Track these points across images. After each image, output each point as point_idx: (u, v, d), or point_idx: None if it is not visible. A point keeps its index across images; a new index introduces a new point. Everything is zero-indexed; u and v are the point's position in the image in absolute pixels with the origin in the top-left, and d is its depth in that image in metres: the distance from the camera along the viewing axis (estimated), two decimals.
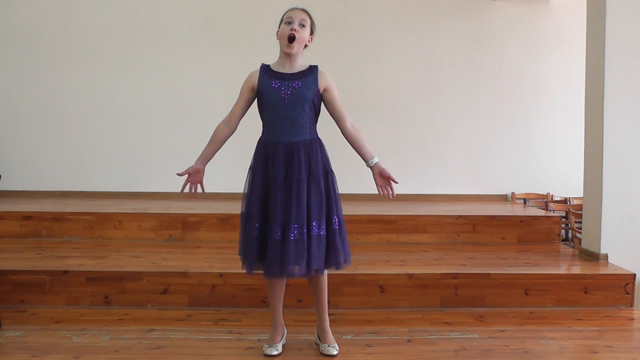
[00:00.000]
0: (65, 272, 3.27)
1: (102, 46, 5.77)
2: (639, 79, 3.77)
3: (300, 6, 2.53)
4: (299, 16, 2.48)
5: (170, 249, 4.00)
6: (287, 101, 2.44)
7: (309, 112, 2.48)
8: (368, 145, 2.57)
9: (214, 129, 2.62)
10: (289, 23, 2.47)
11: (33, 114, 5.78)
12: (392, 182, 2.54)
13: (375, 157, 2.55)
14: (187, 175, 2.58)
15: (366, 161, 2.56)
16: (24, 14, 5.75)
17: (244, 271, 2.53)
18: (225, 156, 5.73)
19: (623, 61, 3.75)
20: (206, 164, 2.62)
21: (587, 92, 4.02)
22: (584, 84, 4.07)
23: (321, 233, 2.46)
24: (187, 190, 2.60)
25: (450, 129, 5.92)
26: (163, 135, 5.81)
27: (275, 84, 2.46)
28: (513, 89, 5.93)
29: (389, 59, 5.87)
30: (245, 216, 2.53)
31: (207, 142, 2.62)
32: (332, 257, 2.50)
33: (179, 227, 4.32)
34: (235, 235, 4.23)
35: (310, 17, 2.52)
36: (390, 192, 2.54)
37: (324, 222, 2.47)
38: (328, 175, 2.52)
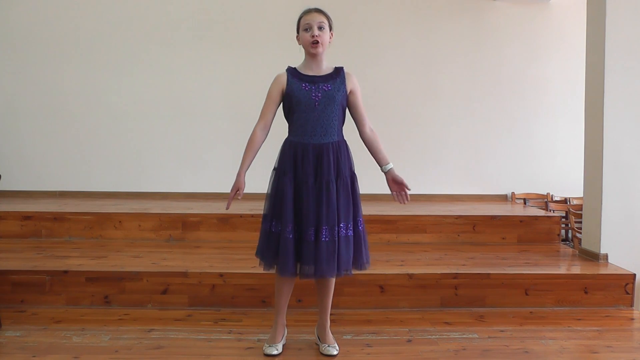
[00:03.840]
0: (65, 272, 3.27)
1: (102, 46, 5.77)
2: (639, 79, 3.77)
3: (313, 7, 2.53)
4: (316, 20, 2.48)
5: (170, 249, 4.00)
6: (317, 103, 2.47)
7: (338, 113, 2.51)
8: (384, 151, 2.60)
9: (249, 134, 2.52)
10: (308, 29, 2.48)
11: (33, 114, 5.78)
12: (405, 188, 2.56)
13: (390, 164, 2.59)
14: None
15: (381, 166, 2.60)
16: (24, 14, 5.75)
17: (269, 272, 2.55)
18: (226, 156, 5.78)
19: (623, 61, 3.75)
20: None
21: (587, 92, 4.02)
22: (584, 84, 4.07)
23: (349, 234, 2.50)
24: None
25: (451, 129, 5.92)
26: (163, 135, 5.81)
27: (306, 86, 2.48)
28: (513, 89, 5.93)
29: (389, 59, 5.87)
30: (270, 218, 2.51)
31: (245, 151, 2.53)
32: (356, 258, 2.54)
33: (179, 227, 4.32)
34: (235, 235, 4.29)
35: (326, 15, 2.53)
36: (404, 198, 2.58)
37: (351, 223, 2.51)
38: (353, 176, 2.56)
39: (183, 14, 5.80)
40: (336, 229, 2.45)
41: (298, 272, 2.49)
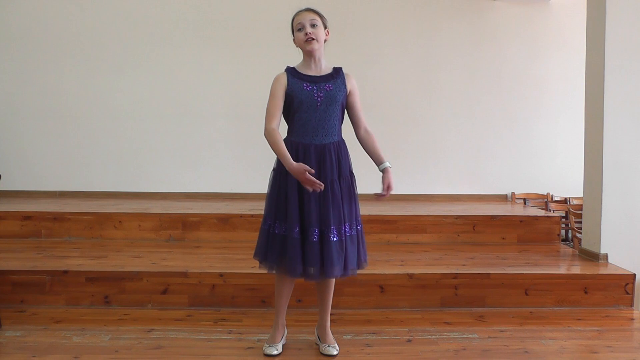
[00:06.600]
0: (65, 272, 3.27)
1: (102, 46, 5.78)
2: (639, 79, 3.77)
3: (304, 7, 2.53)
4: (307, 18, 2.48)
5: (170, 249, 4.00)
6: (319, 104, 2.46)
7: (338, 114, 2.52)
8: (380, 150, 2.57)
9: (271, 137, 2.42)
10: (301, 29, 2.47)
11: (33, 114, 5.78)
12: (386, 192, 2.50)
13: (386, 163, 2.53)
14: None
15: (377, 165, 2.57)
16: (24, 14, 5.75)
17: (268, 272, 2.55)
18: (226, 156, 5.78)
19: (623, 61, 3.74)
20: None
21: (587, 92, 4.02)
22: (584, 84, 4.07)
23: (353, 233, 2.50)
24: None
25: (451, 129, 5.92)
26: (163, 135, 5.81)
27: (307, 86, 2.47)
28: (513, 89, 5.94)
29: (389, 59, 5.87)
30: (272, 219, 2.48)
31: (278, 148, 2.41)
32: (357, 258, 2.54)
33: (179, 227, 4.32)
34: (235, 235, 4.29)
35: (318, 13, 2.52)
36: (380, 197, 2.50)
37: (355, 222, 2.52)
38: (352, 176, 2.56)
39: (183, 14, 5.79)
40: (342, 228, 2.45)
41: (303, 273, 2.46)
